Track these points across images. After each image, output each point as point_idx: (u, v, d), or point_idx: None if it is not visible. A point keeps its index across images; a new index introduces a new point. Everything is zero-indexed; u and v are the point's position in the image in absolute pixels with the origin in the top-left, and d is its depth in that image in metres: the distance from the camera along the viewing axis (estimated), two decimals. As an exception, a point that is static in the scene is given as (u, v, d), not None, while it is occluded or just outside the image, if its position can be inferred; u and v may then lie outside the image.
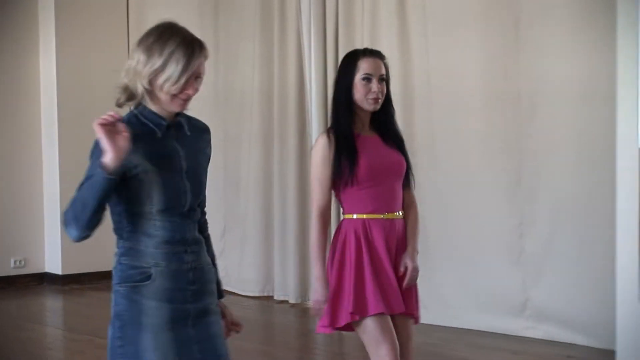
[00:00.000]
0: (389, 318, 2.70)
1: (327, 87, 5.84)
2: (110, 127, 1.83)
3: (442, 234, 5.37)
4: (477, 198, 5.25)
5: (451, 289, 5.49)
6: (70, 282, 6.49)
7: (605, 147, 4.39)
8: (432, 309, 5.29)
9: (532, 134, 5.06)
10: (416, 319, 2.82)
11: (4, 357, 4.82)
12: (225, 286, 2.58)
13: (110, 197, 1.90)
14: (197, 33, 4.92)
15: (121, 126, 1.83)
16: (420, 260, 2.83)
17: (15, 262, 6.48)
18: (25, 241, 6.61)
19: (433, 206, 5.24)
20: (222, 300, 2.30)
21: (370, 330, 2.64)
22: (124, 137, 1.84)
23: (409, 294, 2.75)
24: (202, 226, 2.11)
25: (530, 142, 5.05)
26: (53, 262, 6.58)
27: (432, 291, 5.33)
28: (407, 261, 2.72)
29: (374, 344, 2.62)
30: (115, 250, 2.11)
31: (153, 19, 7.32)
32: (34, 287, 6.57)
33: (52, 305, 6.38)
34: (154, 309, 2.00)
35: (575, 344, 4.82)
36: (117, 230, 2.09)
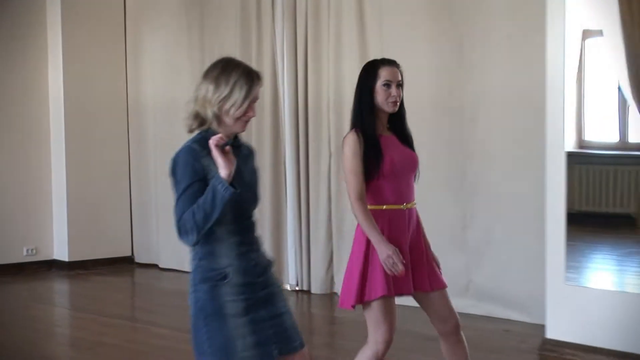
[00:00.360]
0: (393, 300, 2.79)
1: (297, 98, 6.02)
2: (221, 147, 2.00)
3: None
4: (427, 195, 5.27)
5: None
6: (76, 268, 6.57)
7: (536, 151, 4.50)
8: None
9: (474, 140, 5.11)
10: (444, 285, 2.92)
11: (17, 333, 4.94)
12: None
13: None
14: (185, 49, 5.27)
15: (227, 147, 2.02)
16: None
17: (27, 250, 6.56)
18: (36, 231, 6.68)
19: None
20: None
21: (373, 311, 2.75)
22: (231, 155, 2.02)
23: (433, 269, 2.88)
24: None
25: (472, 147, 5.12)
26: (61, 250, 6.70)
27: None
28: (427, 240, 2.91)
29: (374, 324, 2.76)
30: (192, 254, 2.19)
31: (147, 33, 7.72)
32: (43, 273, 6.63)
33: (60, 288, 6.46)
34: (231, 302, 2.11)
35: (511, 320, 5.00)
36: None
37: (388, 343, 2.69)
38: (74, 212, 6.63)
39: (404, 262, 2.60)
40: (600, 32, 4.26)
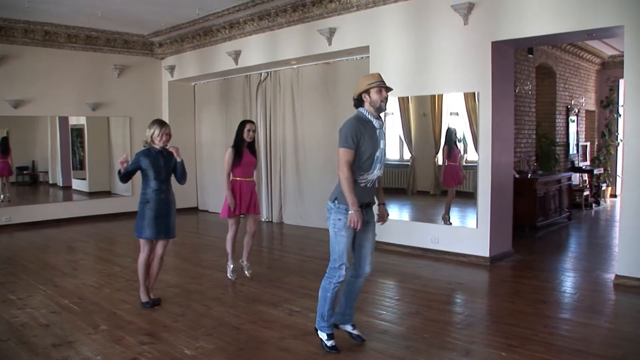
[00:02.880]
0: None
1: (266, 135, 11.83)
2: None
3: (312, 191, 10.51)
4: (321, 180, 10.31)
5: (313, 212, 10.42)
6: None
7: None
8: (308, 220, 10.62)
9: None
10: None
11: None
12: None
13: None
14: (219, 117, 14.25)
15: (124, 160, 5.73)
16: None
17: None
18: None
19: (306, 183, 10.57)
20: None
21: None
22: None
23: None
24: None
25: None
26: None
27: (307, 209, 10.79)
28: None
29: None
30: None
31: (203, 110, 14.52)
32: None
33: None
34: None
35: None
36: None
37: None
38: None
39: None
40: (392, 113, 9.19)
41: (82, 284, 6.79)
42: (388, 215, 4.77)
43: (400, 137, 9.15)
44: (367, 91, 4.40)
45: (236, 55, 11.05)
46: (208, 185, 13.46)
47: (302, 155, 11.18)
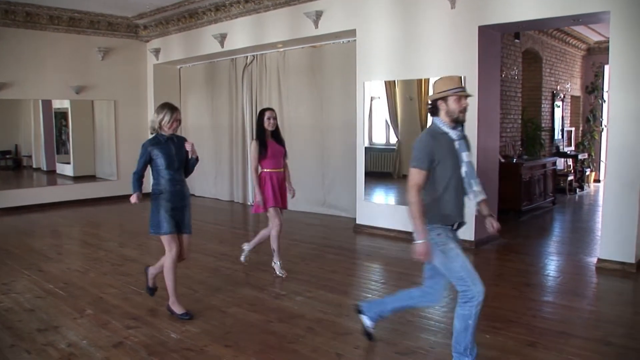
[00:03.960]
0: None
1: (252, 120, 11.39)
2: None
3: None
4: (307, 164, 10.33)
5: (299, 195, 10.29)
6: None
7: (353, 146, 9.10)
8: (294, 203, 10.04)
9: (326, 140, 10.21)
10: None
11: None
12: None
13: None
14: (205, 101, 12.10)
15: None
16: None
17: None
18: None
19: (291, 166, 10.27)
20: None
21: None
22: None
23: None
24: None
25: (326, 144, 10.22)
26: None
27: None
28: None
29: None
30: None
31: (189, 94, 13.68)
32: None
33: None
34: None
35: (342, 217, 9.78)
36: None
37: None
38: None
39: None
40: (379, 97, 9.01)
41: (67, 269, 6.76)
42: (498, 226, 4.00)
43: (386, 121, 9.17)
44: (445, 98, 3.75)
45: (222, 38, 10.94)
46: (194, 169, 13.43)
47: (288, 139, 10.78)
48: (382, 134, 9.31)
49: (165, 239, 4.97)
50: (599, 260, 6.56)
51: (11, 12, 10.86)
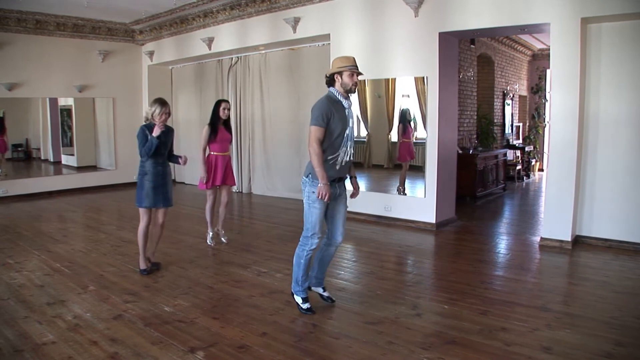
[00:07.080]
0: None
1: (237, 114, 11.34)
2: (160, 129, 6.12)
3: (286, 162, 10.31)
4: (285, 153, 10.28)
5: (279, 183, 10.42)
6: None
7: None
8: (273, 190, 10.54)
9: (303, 133, 10.04)
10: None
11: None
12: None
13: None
14: (194, 97, 12.43)
15: (160, 129, 5.49)
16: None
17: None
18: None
19: (272, 157, 10.32)
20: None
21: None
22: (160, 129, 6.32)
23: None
24: None
25: (303, 136, 10.03)
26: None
27: (273, 181, 10.63)
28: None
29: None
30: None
31: (180, 91, 13.75)
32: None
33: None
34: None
35: None
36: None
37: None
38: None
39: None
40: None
41: (72, 249, 6.66)
42: (359, 188, 4.51)
43: (357, 117, 9.13)
44: (340, 73, 4.10)
45: (210, 41, 10.80)
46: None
47: (269, 132, 11.06)
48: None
49: (141, 211, 5.46)
50: (542, 238, 6.66)
51: (23, 20, 10.66)
